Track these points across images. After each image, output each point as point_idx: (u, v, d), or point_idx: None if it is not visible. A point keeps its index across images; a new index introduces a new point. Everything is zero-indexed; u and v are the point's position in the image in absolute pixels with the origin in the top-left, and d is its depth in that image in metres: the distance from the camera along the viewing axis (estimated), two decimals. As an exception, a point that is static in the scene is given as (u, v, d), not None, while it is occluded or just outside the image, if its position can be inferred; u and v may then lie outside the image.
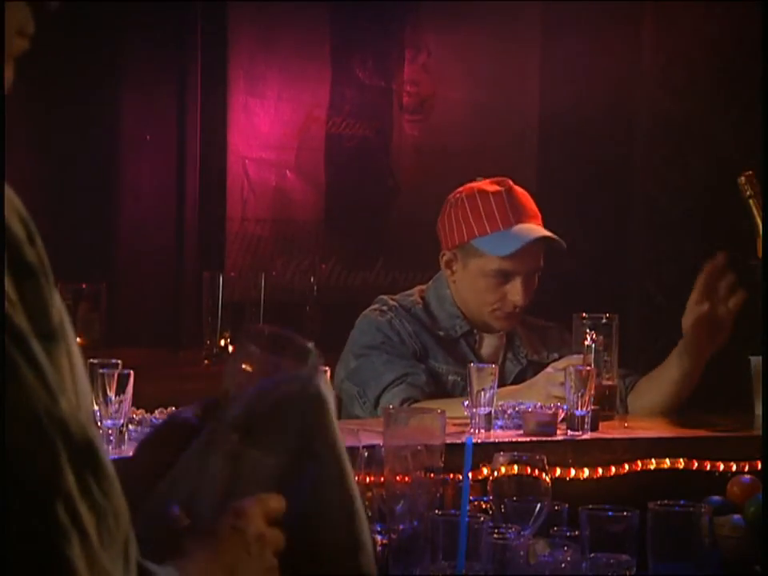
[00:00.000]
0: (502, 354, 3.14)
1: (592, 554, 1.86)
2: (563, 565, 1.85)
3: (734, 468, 2.56)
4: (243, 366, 1.31)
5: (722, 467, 2.56)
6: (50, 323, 0.99)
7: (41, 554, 0.93)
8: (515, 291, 3.04)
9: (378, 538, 1.88)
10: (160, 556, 1.13)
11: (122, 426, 2.18)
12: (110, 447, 2.14)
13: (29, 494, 0.93)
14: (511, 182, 3.12)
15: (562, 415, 2.58)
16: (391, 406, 2.78)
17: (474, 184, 3.15)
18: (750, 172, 2.87)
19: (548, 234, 3.05)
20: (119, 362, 2.22)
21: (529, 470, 1.99)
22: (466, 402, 2.58)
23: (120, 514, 1.01)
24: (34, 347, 0.96)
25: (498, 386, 2.60)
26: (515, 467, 2.00)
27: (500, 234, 3.04)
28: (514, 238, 3.03)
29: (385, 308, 3.11)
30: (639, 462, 2.50)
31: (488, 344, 3.14)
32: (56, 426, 0.96)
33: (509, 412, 2.62)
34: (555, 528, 1.97)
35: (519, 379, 3.05)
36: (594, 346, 2.81)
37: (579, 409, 2.55)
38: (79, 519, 0.95)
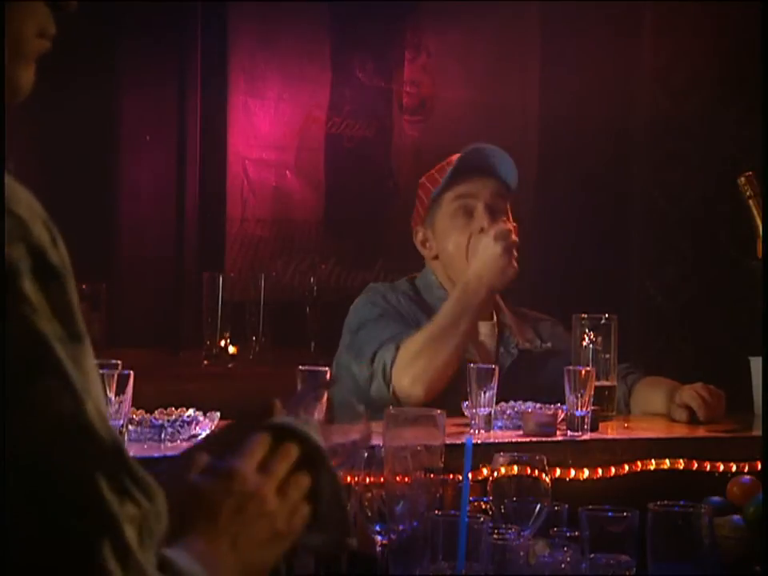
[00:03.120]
0: (494, 344, 3.12)
1: (592, 555, 1.85)
2: (563, 565, 1.85)
3: (734, 468, 2.56)
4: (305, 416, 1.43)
5: (721, 467, 2.56)
6: (76, 325, 1.00)
7: (75, 557, 0.94)
8: (480, 217, 3.03)
9: (378, 538, 1.88)
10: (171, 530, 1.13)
11: (122, 426, 2.18)
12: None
13: (61, 501, 0.94)
14: None
15: (562, 416, 2.58)
16: (385, 361, 2.82)
17: None
18: (750, 172, 2.87)
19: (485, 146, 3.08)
20: (119, 362, 2.22)
21: (529, 471, 1.99)
22: (466, 403, 2.57)
23: (161, 513, 1.02)
24: (58, 352, 0.96)
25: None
26: (515, 468, 2.00)
27: (447, 177, 3.08)
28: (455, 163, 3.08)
29: (380, 288, 3.11)
30: (639, 462, 2.50)
31: (481, 332, 3.11)
32: (82, 431, 0.96)
33: (508, 412, 2.62)
34: (555, 528, 1.97)
35: (513, 371, 3.03)
36: (592, 346, 2.81)
37: (579, 409, 2.55)
38: (115, 522, 0.96)
